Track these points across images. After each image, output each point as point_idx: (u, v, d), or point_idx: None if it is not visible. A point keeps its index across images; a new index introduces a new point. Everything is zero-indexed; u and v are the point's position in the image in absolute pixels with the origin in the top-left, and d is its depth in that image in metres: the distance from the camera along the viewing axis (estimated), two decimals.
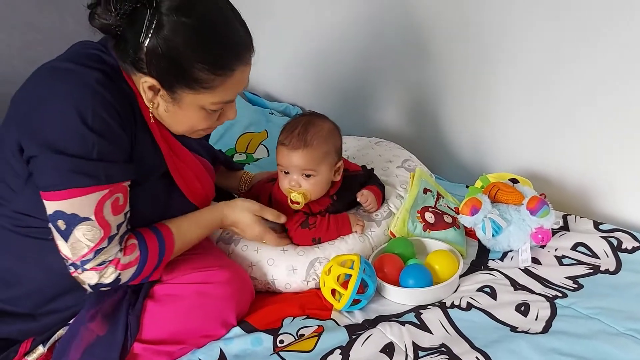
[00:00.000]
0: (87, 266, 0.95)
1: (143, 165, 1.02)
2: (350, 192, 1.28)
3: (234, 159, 1.70)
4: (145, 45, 0.92)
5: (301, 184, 1.19)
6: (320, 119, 1.24)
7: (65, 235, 0.93)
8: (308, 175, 1.19)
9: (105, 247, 0.95)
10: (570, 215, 1.34)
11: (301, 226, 1.21)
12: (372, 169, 1.37)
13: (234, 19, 0.99)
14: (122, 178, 0.97)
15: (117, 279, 0.98)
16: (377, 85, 1.87)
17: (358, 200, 1.27)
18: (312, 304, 1.16)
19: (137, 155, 1.01)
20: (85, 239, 0.93)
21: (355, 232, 1.24)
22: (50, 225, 0.94)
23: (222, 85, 0.98)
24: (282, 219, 1.20)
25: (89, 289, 0.98)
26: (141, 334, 1.04)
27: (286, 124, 1.23)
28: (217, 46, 0.96)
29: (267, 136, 1.90)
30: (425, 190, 1.32)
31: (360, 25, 1.84)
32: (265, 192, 1.30)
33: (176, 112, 1.01)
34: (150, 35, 0.92)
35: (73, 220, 0.92)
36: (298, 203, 1.19)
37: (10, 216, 1.00)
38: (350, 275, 1.10)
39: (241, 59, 0.99)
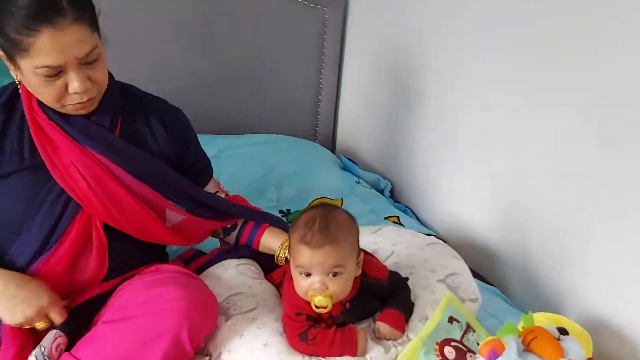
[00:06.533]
0: None
1: (13, 158, 1.11)
2: (366, 303, 1.16)
3: None
4: None
5: (328, 285, 1.08)
6: (334, 209, 1.14)
7: None
8: (335, 274, 1.08)
9: None
10: None
11: (299, 337, 1.10)
12: (405, 279, 1.23)
13: None
14: None
15: None
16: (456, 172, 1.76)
17: (375, 335, 1.14)
18: None
19: (5, 149, 1.11)
20: None
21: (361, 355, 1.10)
22: None
23: (34, 47, 0.99)
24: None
25: None
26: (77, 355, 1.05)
27: (298, 219, 1.11)
28: (5, 3, 0.99)
29: (341, 205, 1.85)
30: (451, 320, 1.15)
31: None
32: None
33: (26, 82, 1.07)
34: None
35: None
36: (325, 307, 1.08)
37: None
38: None
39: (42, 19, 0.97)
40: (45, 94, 1.06)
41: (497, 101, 1.59)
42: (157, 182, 1.19)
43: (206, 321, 1.09)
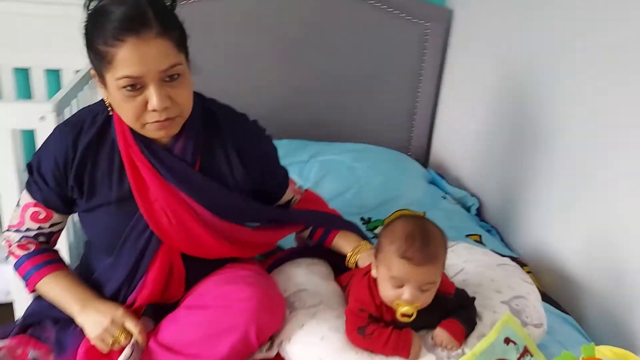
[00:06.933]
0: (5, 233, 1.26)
1: (102, 190, 1.17)
2: (431, 315, 1.18)
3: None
4: None
5: (417, 297, 1.13)
6: (428, 223, 1.18)
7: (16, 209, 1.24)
8: (425, 289, 1.13)
9: (11, 232, 1.23)
10: None
11: (358, 331, 1.16)
12: (473, 299, 1.24)
13: None
14: (40, 199, 1.19)
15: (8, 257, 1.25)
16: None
17: (432, 341, 1.17)
18: None
19: (96, 181, 1.17)
20: (12, 216, 1.24)
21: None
22: None
23: (117, 57, 1.02)
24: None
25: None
26: (158, 336, 1.16)
27: (394, 230, 1.14)
28: (101, 18, 1.03)
29: None
30: (507, 341, 1.14)
31: None
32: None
33: (112, 101, 1.11)
34: None
35: (18, 202, 1.24)
36: (410, 316, 1.14)
37: None
38: None
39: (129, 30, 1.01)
40: (127, 110, 1.07)
41: (601, 129, 1.52)
42: (235, 215, 1.23)
43: (273, 320, 1.18)
